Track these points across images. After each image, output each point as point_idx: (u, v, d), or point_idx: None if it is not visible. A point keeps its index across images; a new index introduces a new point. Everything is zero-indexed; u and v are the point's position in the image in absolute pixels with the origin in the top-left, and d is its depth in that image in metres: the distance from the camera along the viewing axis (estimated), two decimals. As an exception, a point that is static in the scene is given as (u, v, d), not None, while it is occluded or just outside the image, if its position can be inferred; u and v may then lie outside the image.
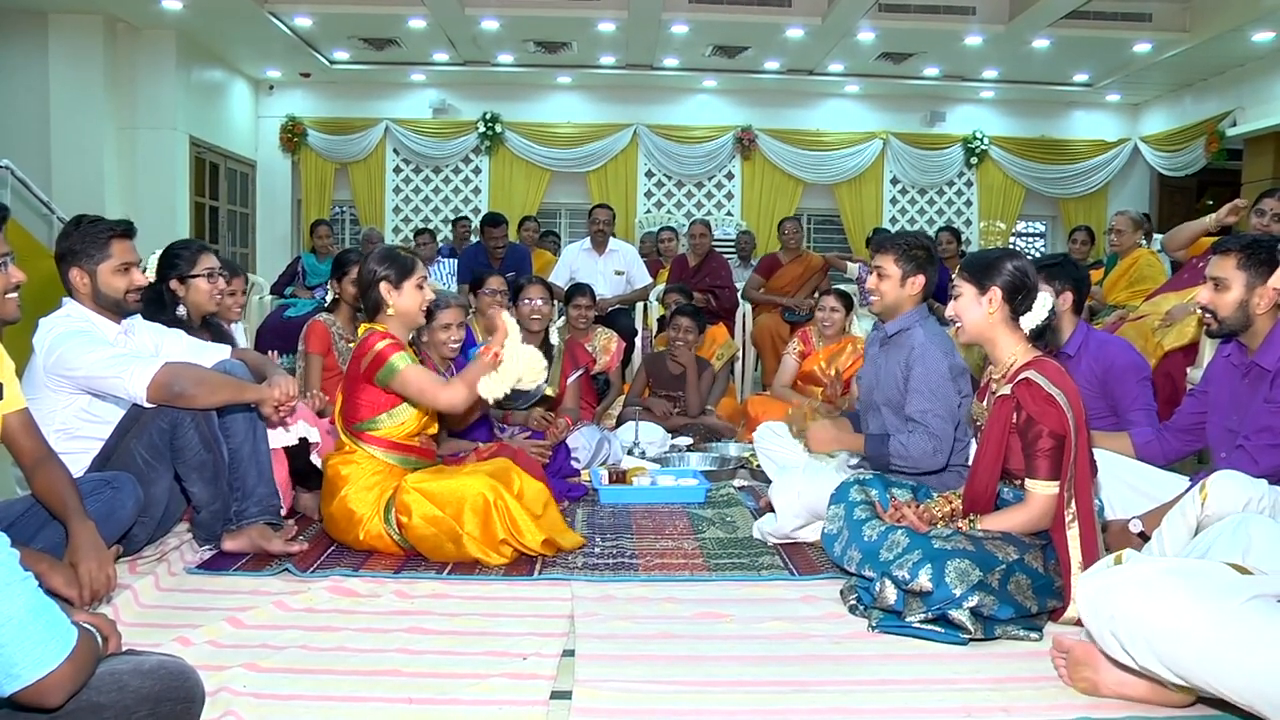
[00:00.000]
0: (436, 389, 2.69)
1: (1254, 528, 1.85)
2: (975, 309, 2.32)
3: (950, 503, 2.42)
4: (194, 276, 3.12)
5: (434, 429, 2.97)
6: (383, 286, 2.77)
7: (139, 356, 2.52)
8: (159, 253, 3.20)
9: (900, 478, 2.68)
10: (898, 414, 2.84)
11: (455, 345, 3.41)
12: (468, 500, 2.60)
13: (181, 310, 3.13)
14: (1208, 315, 2.50)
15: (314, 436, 2.95)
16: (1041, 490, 2.18)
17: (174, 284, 3.11)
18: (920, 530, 2.24)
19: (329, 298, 3.86)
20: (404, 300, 2.79)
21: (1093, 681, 1.79)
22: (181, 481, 2.60)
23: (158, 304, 3.08)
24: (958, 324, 2.37)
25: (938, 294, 6.56)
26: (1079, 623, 1.92)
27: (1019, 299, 2.28)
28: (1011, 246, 8.47)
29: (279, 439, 2.88)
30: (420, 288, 2.82)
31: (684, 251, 7.03)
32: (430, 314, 3.42)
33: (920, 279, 2.87)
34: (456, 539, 2.61)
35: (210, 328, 3.25)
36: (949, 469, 2.80)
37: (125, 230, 2.64)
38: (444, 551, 2.64)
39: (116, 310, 2.64)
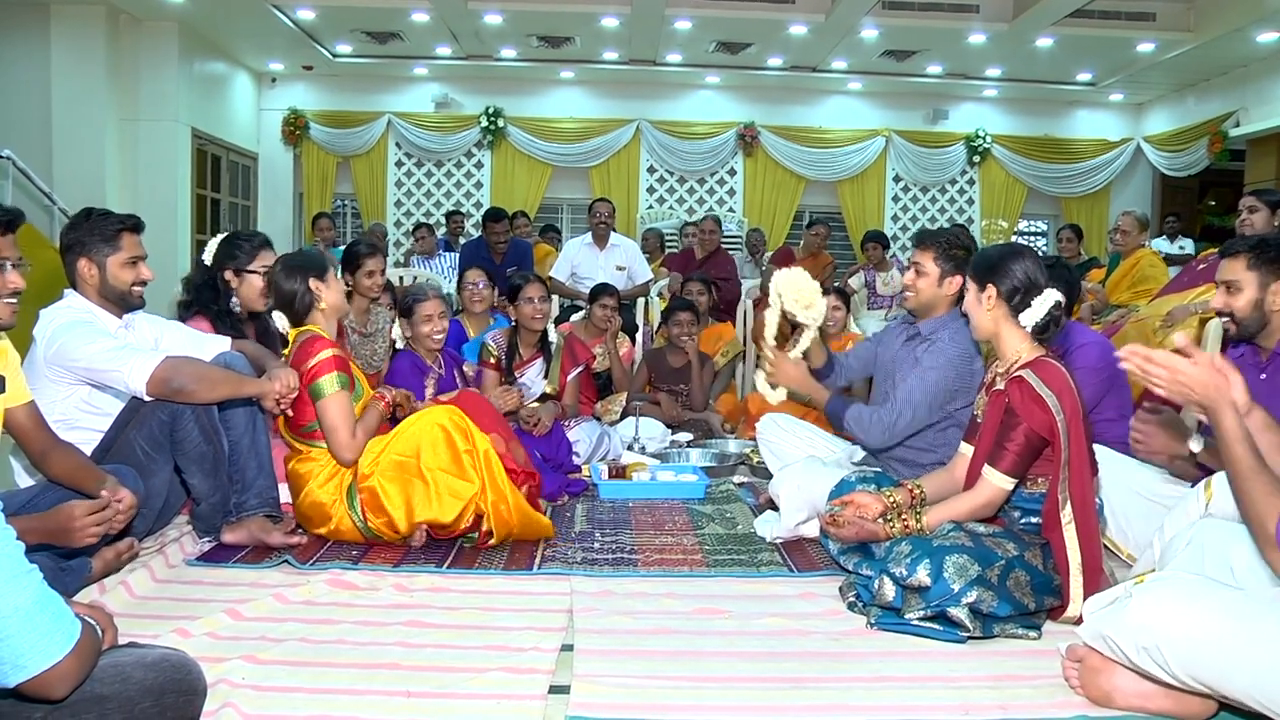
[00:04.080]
0: (345, 436, 2.66)
1: (1234, 553, 1.84)
2: (976, 307, 2.34)
3: (911, 491, 2.41)
4: (250, 271, 3.07)
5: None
6: (312, 283, 2.76)
7: (139, 350, 2.52)
8: (220, 237, 3.14)
9: (897, 474, 2.68)
10: None
11: (439, 337, 3.43)
12: (425, 436, 2.65)
13: (234, 303, 3.09)
14: (1225, 320, 2.49)
15: None
16: (995, 480, 2.20)
17: (228, 274, 3.07)
18: (862, 536, 2.32)
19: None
20: (332, 293, 2.80)
21: (1106, 691, 1.76)
22: (181, 473, 2.60)
23: (211, 292, 3.07)
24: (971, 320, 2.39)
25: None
26: (1078, 621, 1.92)
27: (1016, 298, 2.28)
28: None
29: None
30: (336, 278, 2.86)
31: (686, 247, 7.03)
32: (410, 309, 3.42)
33: (958, 280, 2.84)
34: (419, 473, 2.63)
35: (258, 323, 3.20)
36: (943, 464, 2.81)
37: (135, 225, 2.65)
38: (406, 487, 2.65)
39: (121, 304, 2.64)
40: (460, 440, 2.67)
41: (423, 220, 9.83)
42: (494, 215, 6.24)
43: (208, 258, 3.11)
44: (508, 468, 2.81)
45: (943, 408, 2.79)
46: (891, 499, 2.38)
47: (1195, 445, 2.32)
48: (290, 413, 2.70)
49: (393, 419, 2.92)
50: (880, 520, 2.32)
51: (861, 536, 2.35)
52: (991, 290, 2.30)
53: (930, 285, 2.87)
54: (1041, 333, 2.30)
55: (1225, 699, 1.59)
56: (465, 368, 3.80)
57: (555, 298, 5.69)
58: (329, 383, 2.66)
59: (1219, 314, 2.52)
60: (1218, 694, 1.59)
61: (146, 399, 2.44)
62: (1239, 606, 1.55)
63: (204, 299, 3.06)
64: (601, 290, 4.78)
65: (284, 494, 2.90)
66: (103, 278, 2.59)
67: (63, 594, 1.32)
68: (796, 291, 2.94)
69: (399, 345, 3.52)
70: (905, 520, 2.28)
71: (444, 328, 3.44)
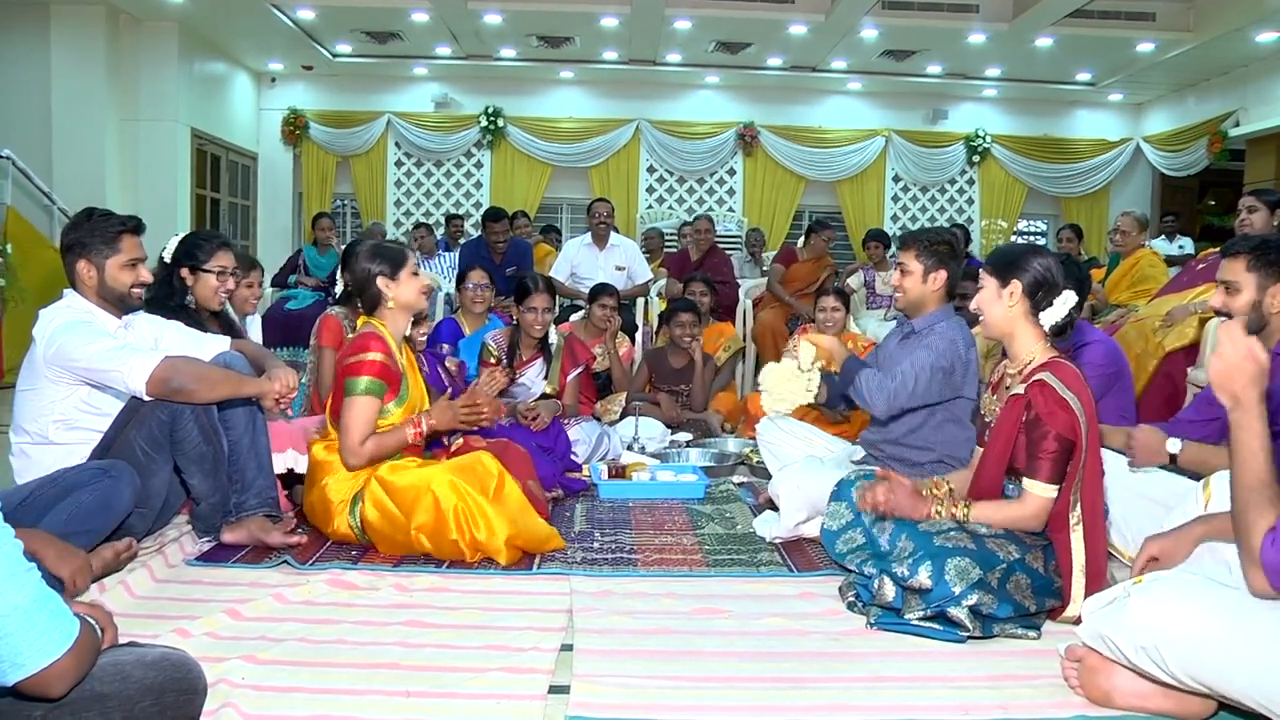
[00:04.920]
0: (352, 441, 2.66)
1: (1232, 553, 1.83)
2: (996, 303, 2.31)
3: (939, 487, 2.39)
4: (205, 270, 3.10)
5: None
6: (380, 281, 2.79)
7: (139, 350, 2.51)
8: (181, 235, 3.18)
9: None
10: None
11: (423, 338, 3.46)
12: (422, 498, 2.58)
13: (190, 299, 3.12)
14: (1223, 319, 2.48)
15: (301, 467, 2.94)
16: (1039, 492, 2.16)
17: (184, 271, 3.10)
18: (907, 514, 2.25)
19: (339, 290, 3.86)
20: (403, 291, 2.81)
21: (1105, 691, 1.76)
22: (181, 473, 2.60)
23: (166, 288, 3.08)
24: (981, 317, 2.37)
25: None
26: (1078, 621, 1.92)
27: (1039, 295, 2.26)
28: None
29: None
30: (415, 274, 2.85)
31: (682, 248, 7.02)
32: None
33: (942, 274, 2.88)
34: (405, 532, 2.60)
35: (221, 319, 3.23)
36: (941, 462, 2.82)
37: (135, 226, 2.65)
38: (396, 544, 2.64)
39: (120, 305, 2.64)
40: (453, 529, 2.56)
41: (422, 220, 9.83)
42: (493, 215, 6.24)
43: (167, 255, 3.13)
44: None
45: (939, 392, 2.80)
46: (929, 491, 2.33)
47: (1173, 447, 2.33)
48: (291, 412, 2.70)
49: (481, 432, 2.95)
50: (928, 497, 2.26)
51: (916, 507, 2.25)
52: (1015, 286, 2.27)
53: (916, 283, 2.90)
54: (1059, 333, 2.29)
55: (1224, 698, 1.59)
56: (449, 363, 3.82)
57: (556, 299, 5.68)
58: (361, 384, 2.67)
59: (1217, 313, 2.52)
60: (1216, 693, 1.58)
61: (146, 399, 2.44)
62: (1237, 606, 1.55)
63: (159, 295, 3.07)
64: (601, 290, 4.78)
65: (295, 462, 2.89)
66: (101, 279, 2.58)
67: (61, 593, 1.32)
68: (776, 399, 3.00)
69: None
70: (955, 508, 2.23)
71: (425, 330, 3.48)
